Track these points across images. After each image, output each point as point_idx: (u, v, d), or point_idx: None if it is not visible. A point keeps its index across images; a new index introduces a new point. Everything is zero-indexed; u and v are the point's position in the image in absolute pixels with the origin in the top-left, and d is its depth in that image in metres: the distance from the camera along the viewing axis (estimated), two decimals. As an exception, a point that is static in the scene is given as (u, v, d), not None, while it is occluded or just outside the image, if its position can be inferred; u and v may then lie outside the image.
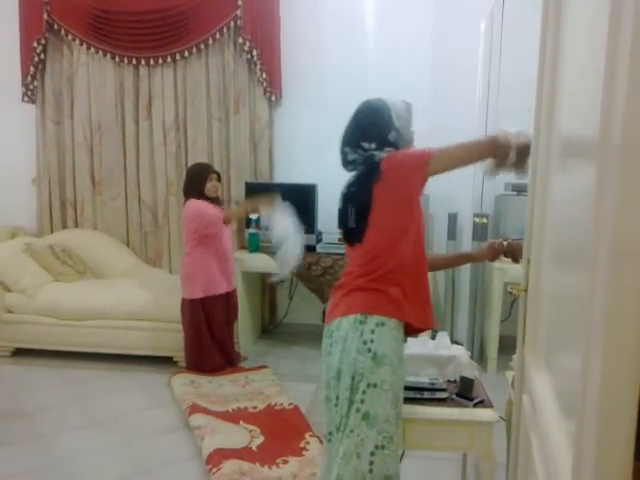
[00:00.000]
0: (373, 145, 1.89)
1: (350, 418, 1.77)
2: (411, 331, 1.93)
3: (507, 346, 3.59)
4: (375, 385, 1.76)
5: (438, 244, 4.36)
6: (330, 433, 1.88)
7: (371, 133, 1.90)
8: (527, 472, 1.51)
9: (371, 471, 1.77)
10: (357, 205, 1.88)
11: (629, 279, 0.71)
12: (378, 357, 1.76)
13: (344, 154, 1.96)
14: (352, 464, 1.77)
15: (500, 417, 2.07)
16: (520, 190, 3.63)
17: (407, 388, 2.11)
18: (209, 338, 3.75)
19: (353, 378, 1.76)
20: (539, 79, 1.53)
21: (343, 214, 1.93)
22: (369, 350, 1.76)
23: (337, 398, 1.81)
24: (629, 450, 0.77)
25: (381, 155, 1.85)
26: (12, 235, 4.70)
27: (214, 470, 2.58)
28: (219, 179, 3.81)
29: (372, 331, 1.77)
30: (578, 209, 1.07)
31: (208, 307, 3.70)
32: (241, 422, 3.10)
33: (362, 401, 1.76)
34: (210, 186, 3.70)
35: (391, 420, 1.79)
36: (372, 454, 1.76)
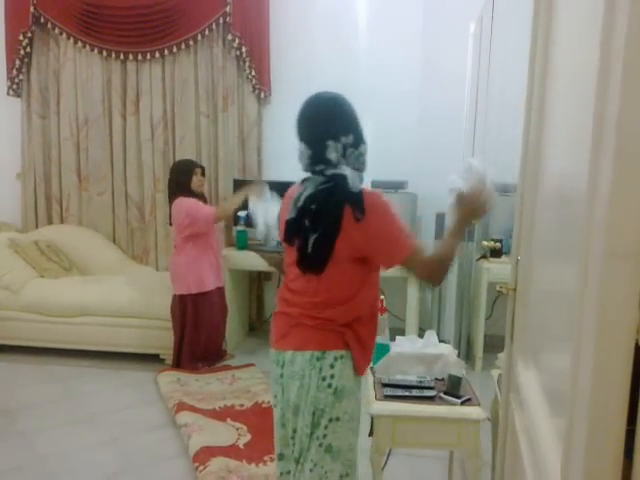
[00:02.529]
0: (351, 138, 1.68)
1: (311, 451, 1.70)
2: None
3: (491, 345, 3.62)
4: (338, 419, 1.70)
5: (426, 244, 4.38)
6: (281, 454, 1.83)
7: (348, 125, 1.70)
8: (514, 470, 1.52)
9: None
10: (318, 231, 1.63)
11: (620, 279, 0.72)
12: (339, 391, 1.68)
13: (321, 150, 1.67)
14: None
15: (487, 418, 2.09)
16: (509, 191, 3.65)
17: (395, 386, 2.12)
18: (201, 336, 3.74)
19: (314, 414, 1.69)
20: (529, 78, 1.54)
21: (294, 229, 1.70)
22: (329, 385, 1.67)
23: (294, 431, 1.73)
24: (619, 448, 0.78)
25: (357, 184, 1.64)
26: (-4, 230, 4.65)
27: (201, 468, 2.58)
28: (203, 174, 3.81)
29: (331, 366, 1.67)
30: (569, 209, 1.08)
31: (199, 303, 3.69)
32: (228, 420, 3.10)
33: (325, 435, 1.70)
34: (196, 180, 3.69)
35: (353, 448, 1.76)
36: None
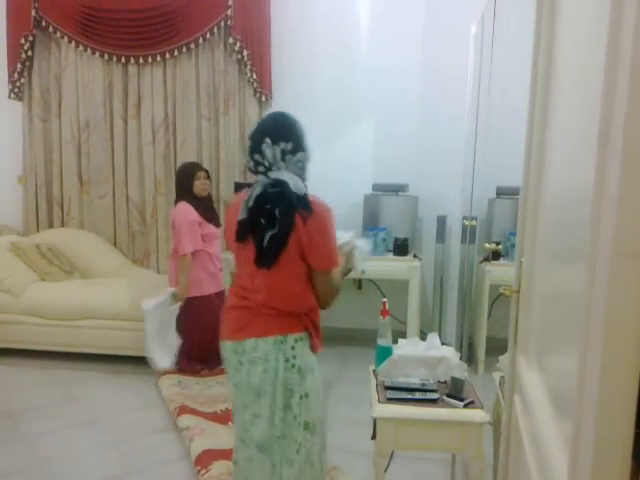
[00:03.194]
0: (290, 145, 1.85)
1: (293, 432, 1.84)
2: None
3: (492, 347, 3.61)
4: (307, 395, 1.85)
5: (427, 247, 4.38)
6: (242, 440, 1.93)
7: (289, 135, 1.87)
8: (518, 472, 1.52)
9: (322, 470, 1.93)
10: (275, 230, 1.78)
11: (628, 278, 0.72)
12: (302, 370, 1.84)
13: (258, 148, 1.84)
14: (308, 474, 1.87)
15: (489, 422, 2.08)
16: (513, 193, 3.66)
17: (398, 389, 2.12)
18: (197, 338, 3.73)
19: (284, 396, 1.82)
20: (532, 80, 1.54)
21: (246, 227, 1.84)
22: (293, 366, 1.83)
23: (255, 415, 1.86)
24: (627, 451, 0.78)
25: (302, 188, 1.82)
26: (-3, 234, 4.65)
27: (203, 471, 2.57)
28: (208, 177, 3.79)
29: (292, 347, 1.84)
30: (573, 211, 1.08)
31: (196, 307, 3.68)
32: (230, 423, 3.08)
33: (300, 414, 1.84)
34: (199, 184, 3.66)
35: (323, 420, 1.93)
36: (319, 455, 1.90)
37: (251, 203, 1.82)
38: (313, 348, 1.91)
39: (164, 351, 3.53)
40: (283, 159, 1.84)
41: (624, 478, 0.78)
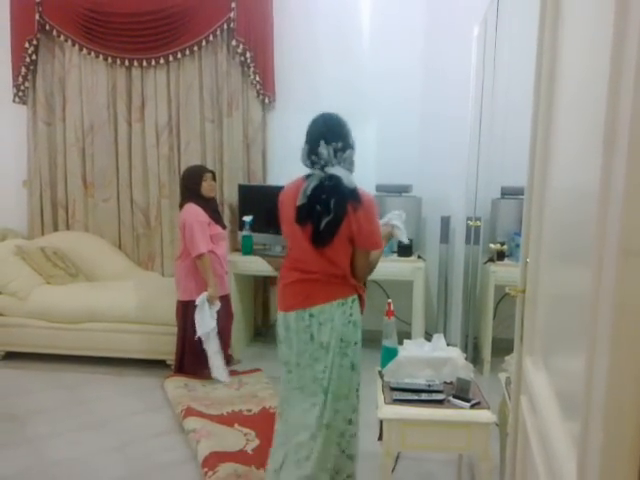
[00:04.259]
0: (340, 144, 2.19)
1: (344, 373, 2.24)
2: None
3: (497, 348, 3.61)
4: (355, 343, 2.27)
5: (431, 247, 4.38)
6: (321, 389, 2.25)
7: (338, 135, 2.21)
8: (526, 473, 1.52)
9: (358, 400, 2.30)
10: (330, 217, 2.15)
11: (635, 277, 0.72)
12: (356, 323, 2.27)
13: (315, 147, 2.18)
14: (346, 404, 2.25)
15: (495, 423, 2.08)
16: (517, 193, 3.65)
17: (404, 390, 2.12)
18: (201, 341, 3.73)
19: (340, 346, 2.22)
20: (536, 80, 1.54)
21: (307, 213, 2.18)
22: (349, 321, 2.25)
23: (326, 366, 2.22)
24: (635, 449, 0.78)
25: (352, 182, 2.17)
26: (2, 237, 4.66)
27: (210, 473, 2.58)
28: (214, 178, 3.83)
29: (350, 307, 2.26)
30: (578, 210, 1.08)
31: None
32: (236, 425, 3.09)
33: (352, 358, 2.25)
34: (206, 185, 3.71)
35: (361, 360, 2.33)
36: (357, 389, 2.29)
37: (309, 192, 2.16)
38: (362, 307, 2.33)
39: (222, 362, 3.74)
40: (335, 156, 2.18)
41: (633, 478, 0.78)
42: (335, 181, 2.14)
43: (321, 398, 2.24)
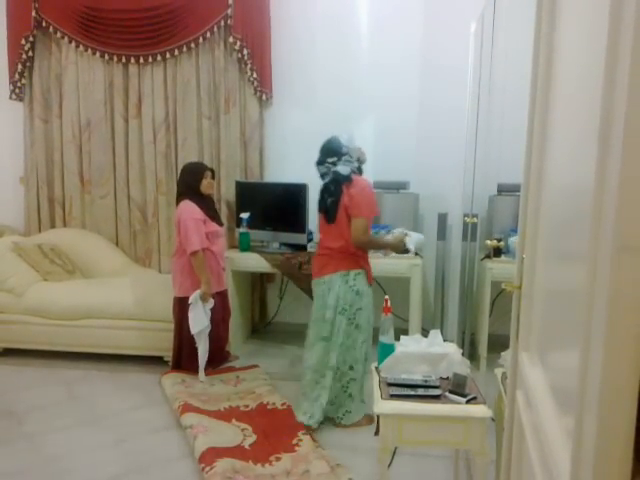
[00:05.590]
0: (333, 159, 3.06)
1: (349, 329, 3.03)
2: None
3: (494, 344, 3.62)
4: (360, 309, 3.02)
5: (428, 244, 4.38)
6: (324, 338, 3.06)
7: (328, 153, 3.09)
8: (521, 467, 1.53)
9: (361, 354, 3.06)
10: (332, 197, 3.00)
11: (630, 274, 0.72)
12: (360, 292, 3.01)
13: (320, 164, 3.14)
14: (350, 354, 3.05)
15: (491, 418, 2.09)
16: (514, 190, 3.66)
17: (401, 385, 2.13)
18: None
19: (344, 308, 3.00)
20: (533, 76, 1.55)
21: (321, 201, 3.09)
22: (352, 290, 3.00)
23: (332, 322, 3.03)
24: (628, 444, 0.79)
25: (347, 171, 3.01)
26: (-1, 234, 4.66)
27: (207, 469, 2.58)
28: (213, 176, 3.85)
29: (354, 279, 3.01)
30: (574, 207, 1.09)
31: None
32: (233, 421, 3.10)
33: (355, 318, 3.02)
34: (206, 183, 3.73)
35: (369, 324, 3.08)
36: (361, 345, 3.05)
37: (322, 187, 3.09)
38: (368, 279, 3.06)
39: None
40: (334, 164, 3.05)
41: (626, 473, 0.79)
42: (335, 174, 3.01)
43: (322, 345, 3.04)
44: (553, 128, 1.36)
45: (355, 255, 3.00)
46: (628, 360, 0.76)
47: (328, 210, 3.01)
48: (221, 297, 3.85)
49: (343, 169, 2.99)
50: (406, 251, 3.33)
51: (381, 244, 3.32)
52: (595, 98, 0.86)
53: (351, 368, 3.06)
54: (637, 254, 0.70)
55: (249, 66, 4.41)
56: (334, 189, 2.99)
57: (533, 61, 1.54)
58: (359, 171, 3.10)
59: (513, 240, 3.60)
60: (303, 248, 4.19)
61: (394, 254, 3.39)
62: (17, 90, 4.73)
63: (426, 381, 2.14)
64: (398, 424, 2.02)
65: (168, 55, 4.51)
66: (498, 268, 3.68)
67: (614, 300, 0.74)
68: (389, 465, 2.17)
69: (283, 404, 3.29)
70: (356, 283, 3.00)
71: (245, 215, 4.21)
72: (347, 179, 2.97)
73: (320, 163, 3.11)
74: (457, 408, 2.02)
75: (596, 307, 0.81)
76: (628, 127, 0.70)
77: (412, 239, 3.25)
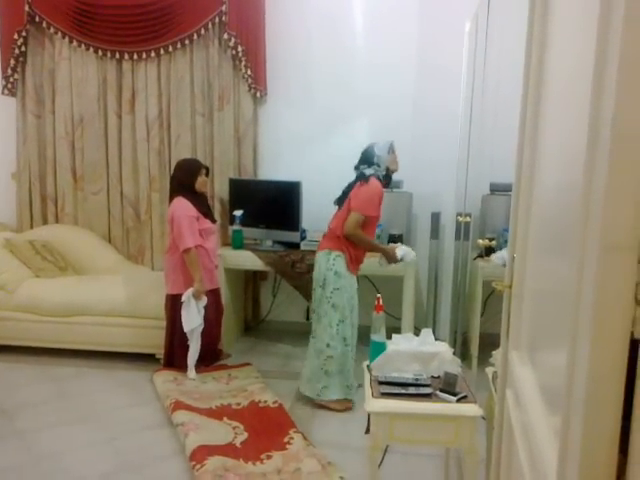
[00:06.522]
0: (365, 166, 3.30)
1: (324, 307, 3.26)
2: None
3: (486, 343, 3.63)
4: (338, 289, 3.23)
5: (421, 243, 4.40)
6: (314, 310, 3.36)
7: (363, 160, 3.34)
8: (510, 466, 1.54)
9: (337, 333, 3.26)
10: (347, 188, 3.35)
11: (616, 272, 0.73)
12: (338, 273, 3.23)
13: (359, 165, 3.37)
14: (327, 332, 3.26)
15: (482, 417, 2.10)
16: (506, 190, 3.67)
17: (392, 384, 2.13)
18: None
19: (323, 285, 3.25)
20: (525, 75, 1.55)
21: (341, 196, 3.38)
22: (330, 269, 3.23)
23: (316, 297, 3.31)
24: (614, 443, 0.79)
25: (369, 172, 3.26)
26: (-9, 230, 4.63)
27: (198, 467, 2.58)
28: (207, 174, 3.85)
29: (334, 258, 3.23)
30: (564, 206, 1.09)
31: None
32: (225, 419, 3.10)
33: (331, 297, 3.24)
34: (201, 181, 3.72)
35: (347, 307, 3.26)
36: (337, 325, 3.25)
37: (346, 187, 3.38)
38: (348, 266, 3.25)
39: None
40: (367, 167, 3.30)
41: (611, 471, 0.79)
42: (359, 174, 3.31)
43: (314, 317, 3.35)
44: (544, 128, 1.36)
45: (340, 239, 3.22)
46: (614, 358, 0.77)
47: (340, 196, 3.34)
48: (214, 295, 3.84)
49: (367, 171, 3.26)
50: (397, 261, 3.41)
51: (372, 245, 3.38)
52: (585, 98, 0.86)
53: (328, 345, 3.25)
54: (624, 253, 0.71)
55: (243, 63, 4.39)
56: (352, 183, 3.31)
57: (525, 61, 1.55)
58: (385, 179, 3.32)
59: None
60: (296, 246, 4.19)
61: (386, 265, 3.43)
62: (9, 85, 4.70)
63: (417, 379, 2.14)
64: (389, 422, 2.02)
65: (162, 51, 4.49)
66: (490, 267, 3.68)
67: (600, 299, 0.74)
68: (380, 464, 2.17)
69: (275, 402, 3.29)
70: (335, 264, 3.21)
71: (238, 213, 4.21)
72: (364, 177, 3.23)
73: (355, 168, 3.35)
74: (448, 407, 2.02)
75: (583, 306, 0.81)
76: (615, 126, 0.70)
77: (403, 250, 3.41)
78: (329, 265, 3.22)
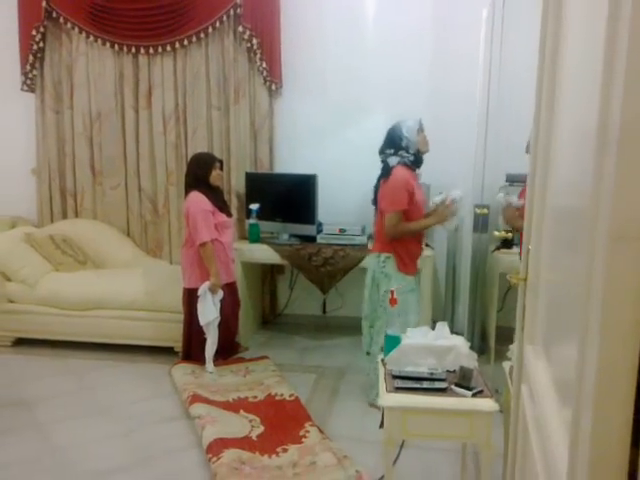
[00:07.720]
0: (391, 150, 3.10)
1: (380, 310, 3.14)
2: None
3: (503, 336, 3.58)
4: (386, 291, 3.06)
5: (438, 234, 4.35)
6: (365, 316, 3.29)
7: (389, 143, 3.13)
8: (525, 461, 1.51)
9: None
10: (375, 190, 3.23)
11: (626, 263, 0.70)
12: (388, 275, 3.11)
13: (383, 150, 3.17)
14: (380, 335, 3.03)
15: (499, 410, 2.07)
16: (523, 181, 3.60)
17: (406, 378, 2.11)
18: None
19: (372, 286, 3.20)
20: (540, 65, 1.51)
21: (374, 196, 3.26)
22: (382, 272, 3.13)
23: (368, 299, 3.25)
24: (625, 437, 0.77)
25: (393, 162, 3.07)
26: (12, 225, 4.70)
27: (214, 459, 2.59)
28: (222, 167, 3.85)
29: (384, 261, 3.13)
30: (577, 198, 1.06)
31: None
32: (241, 412, 3.11)
33: (383, 300, 3.10)
34: (215, 174, 3.72)
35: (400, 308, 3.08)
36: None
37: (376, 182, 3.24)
38: (399, 267, 3.11)
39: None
40: (394, 154, 3.09)
41: (622, 465, 0.77)
42: (383, 167, 3.15)
43: (364, 324, 3.28)
44: (559, 119, 1.33)
45: (386, 240, 3.12)
46: (625, 351, 0.74)
47: (373, 197, 3.25)
48: (230, 288, 3.85)
49: (392, 160, 3.07)
50: (454, 214, 3.17)
51: (422, 227, 3.17)
52: (594, 89, 0.83)
53: (382, 349, 3.03)
54: (633, 244, 0.68)
55: (258, 56, 4.38)
56: (377, 184, 3.20)
57: (540, 50, 1.51)
58: (415, 163, 3.11)
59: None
60: (313, 239, 4.18)
61: (449, 225, 3.21)
62: (28, 81, 4.75)
63: (432, 374, 2.12)
64: (403, 417, 2.00)
65: (178, 45, 4.49)
66: (509, 259, 3.62)
67: (610, 290, 0.72)
68: (396, 458, 2.16)
69: (291, 395, 3.29)
70: (386, 265, 3.11)
71: (255, 206, 4.21)
72: (386, 174, 3.08)
73: (380, 152, 3.15)
74: (462, 401, 1.99)
75: (593, 297, 0.79)
76: (625, 117, 0.68)
77: (446, 197, 3.14)
78: (379, 268, 3.13)
